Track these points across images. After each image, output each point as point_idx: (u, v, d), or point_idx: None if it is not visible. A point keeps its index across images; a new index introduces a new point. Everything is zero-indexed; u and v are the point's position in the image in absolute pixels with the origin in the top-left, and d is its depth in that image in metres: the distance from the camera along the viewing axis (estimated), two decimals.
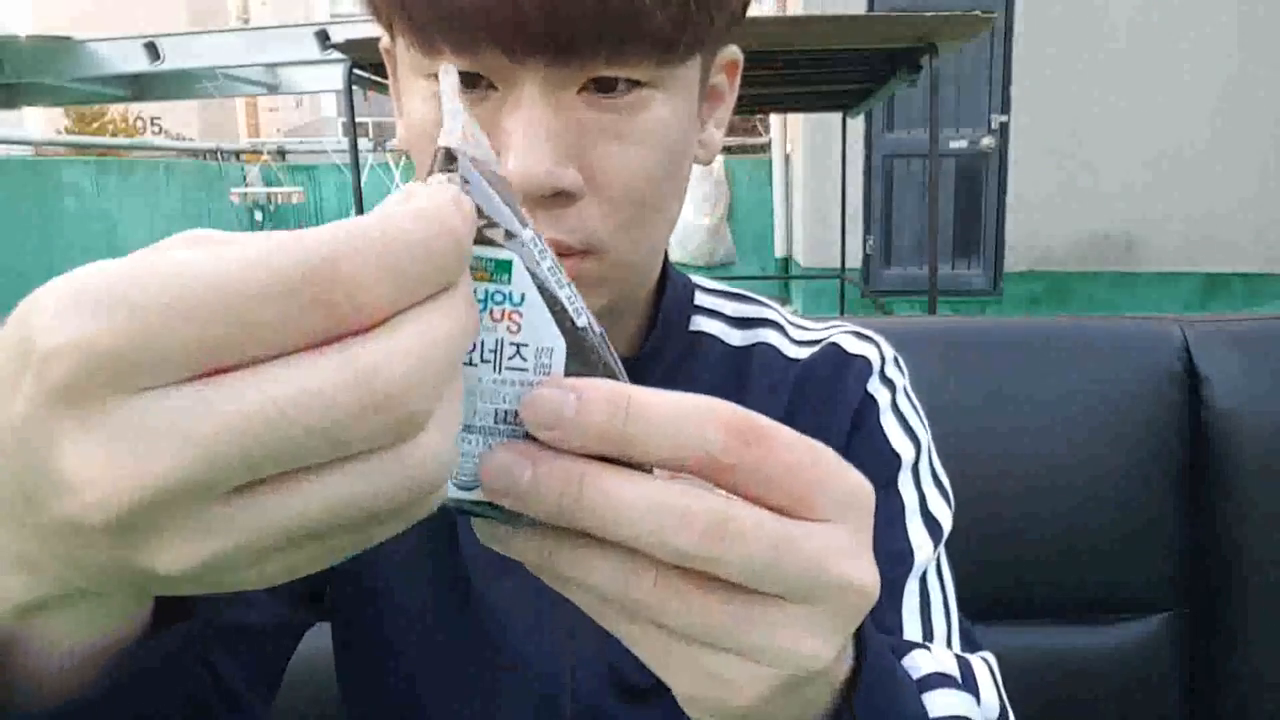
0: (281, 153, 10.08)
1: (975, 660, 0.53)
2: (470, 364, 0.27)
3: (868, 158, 6.40)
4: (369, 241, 0.22)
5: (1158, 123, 6.03)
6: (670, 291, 0.60)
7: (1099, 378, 0.98)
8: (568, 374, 0.27)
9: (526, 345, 0.27)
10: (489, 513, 0.28)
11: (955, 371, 0.98)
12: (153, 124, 16.47)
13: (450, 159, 0.26)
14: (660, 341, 0.58)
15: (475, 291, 0.26)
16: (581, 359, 0.28)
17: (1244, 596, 0.97)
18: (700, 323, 0.61)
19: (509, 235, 0.26)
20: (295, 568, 0.24)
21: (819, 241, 6.51)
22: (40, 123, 14.53)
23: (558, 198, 0.45)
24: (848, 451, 0.57)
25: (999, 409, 0.97)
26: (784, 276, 7.47)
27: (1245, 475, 0.96)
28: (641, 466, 0.27)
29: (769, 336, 0.62)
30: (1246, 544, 0.97)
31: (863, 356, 0.61)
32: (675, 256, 7.80)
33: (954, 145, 6.15)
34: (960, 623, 0.58)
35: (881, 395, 0.60)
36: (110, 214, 7.60)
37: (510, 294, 0.27)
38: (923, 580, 0.57)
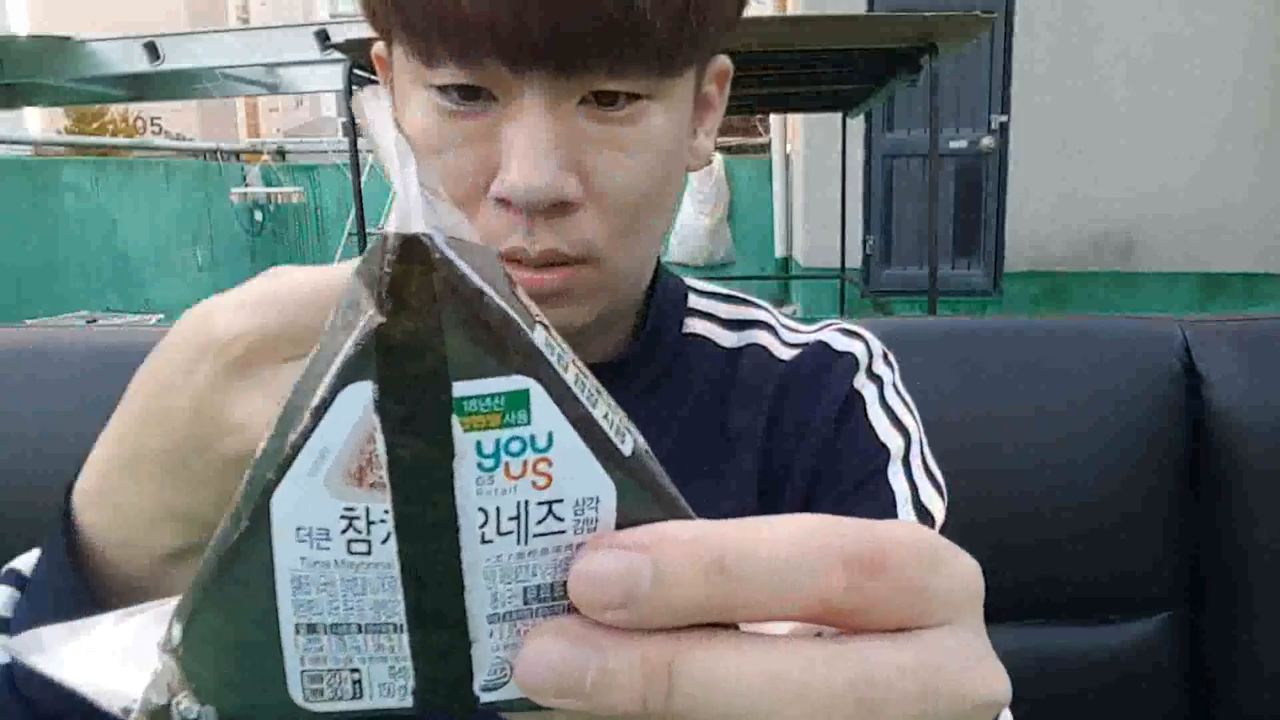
0: (281, 153, 10.05)
1: None
2: (485, 541, 0.19)
3: (868, 158, 6.40)
4: None
5: (1158, 122, 6.03)
6: (662, 295, 0.60)
7: (1099, 377, 0.98)
8: (619, 523, 0.20)
9: (561, 500, 0.19)
10: (522, 707, 0.20)
11: (955, 371, 0.98)
12: (153, 124, 16.48)
13: (416, 253, 0.16)
14: (651, 345, 0.58)
15: (480, 446, 0.18)
16: (636, 498, 0.20)
17: (1244, 596, 0.97)
18: (693, 325, 0.61)
19: (519, 346, 0.18)
20: None
21: (819, 241, 6.51)
22: (40, 123, 14.54)
23: (558, 207, 0.45)
24: (833, 447, 0.57)
25: (999, 409, 0.97)
26: (784, 276, 7.46)
27: (1245, 475, 0.96)
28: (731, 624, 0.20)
29: (761, 338, 0.62)
30: (1246, 543, 0.96)
31: (849, 353, 0.61)
32: (675, 256, 7.81)
33: (954, 145, 6.14)
34: None
35: (868, 390, 0.60)
36: (110, 214, 7.58)
37: (532, 437, 0.18)
38: None
